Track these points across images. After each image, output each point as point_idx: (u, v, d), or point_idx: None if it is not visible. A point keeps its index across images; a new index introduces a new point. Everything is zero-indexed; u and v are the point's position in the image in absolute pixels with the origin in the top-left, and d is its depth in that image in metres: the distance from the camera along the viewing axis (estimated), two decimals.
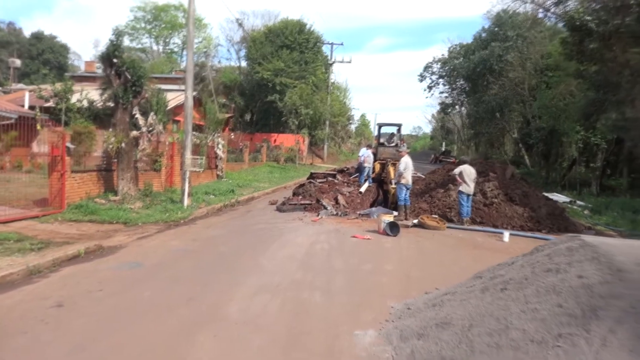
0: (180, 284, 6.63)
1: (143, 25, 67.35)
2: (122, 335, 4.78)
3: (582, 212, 18.70)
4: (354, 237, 10.54)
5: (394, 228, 10.80)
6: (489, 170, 15.19)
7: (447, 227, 12.11)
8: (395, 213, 12.77)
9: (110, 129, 14.08)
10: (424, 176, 19.36)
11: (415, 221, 12.38)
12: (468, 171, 12.49)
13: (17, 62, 41.74)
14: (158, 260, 8.01)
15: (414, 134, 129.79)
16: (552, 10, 20.58)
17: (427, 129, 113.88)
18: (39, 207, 11.94)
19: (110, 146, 13.67)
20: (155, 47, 68.85)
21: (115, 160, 14.21)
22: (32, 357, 4.28)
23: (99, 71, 48.24)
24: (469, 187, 12.36)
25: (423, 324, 4.71)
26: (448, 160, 38.75)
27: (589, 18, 13.17)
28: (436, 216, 12.86)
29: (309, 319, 5.44)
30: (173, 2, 64.61)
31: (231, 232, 11.08)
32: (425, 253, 9.34)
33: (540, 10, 23.16)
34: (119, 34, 14.27)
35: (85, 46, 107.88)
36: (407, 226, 12.10)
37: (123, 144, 13.71)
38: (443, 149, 57.32)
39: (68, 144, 12.89)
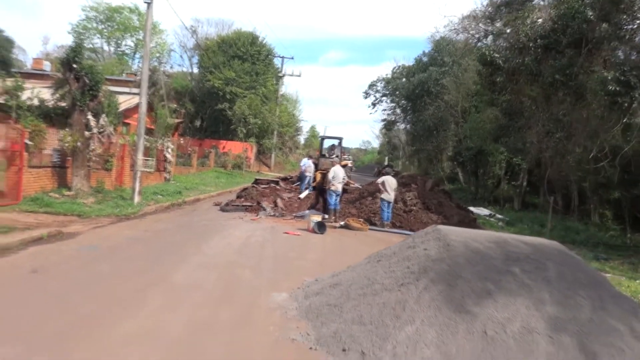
0: (134, 262, 8.03)
1: (95, 25, 66.92)
2: (91, 291, 6.18)
3: (497, 223, 21.06)
4: (286, 233, 12.17)
5: (321, 227, 12.50)
6: (412, 182, 17.18)
7: (370, 229, 13.92)
8: (326, 215, 14.48)
9: (67, 129, 15.11)
10: (361, 186, 21.17)
11: (342, 223, 14.14)
12: (390, 181, 14.37)
13: None
14: (113, 244, 9.34)
15: (363, 147, 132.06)
16: (482, 40, 23.06)
17: (376, 143, 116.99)
18: None
19: (67, 144, 14.71)
20: (106, 48, 68.44)
21: (70, 158, 15.23)
22: (20, 305, 5.60)
23: (47, 69, 47.97)
24: (389, 195, 14.22)
25: (321, 287, 6.36)
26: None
27: (497, 55, 15.42)
28: (361, 220, 14.65)
29: (238, 286, 7.00)
30: (128, 4, 64.64)
31: (178, 226, 12.47)
32: (343, 247, 11.05)
33: (473, 40, 25.76)
34: (79, 40, 15.39)
35: (29, 40, 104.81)
36: (334, 227, 13.84)
37: (79, 143, 14.79)
38: (385, 164, 59.98)
39: (27, 141, 13.87)
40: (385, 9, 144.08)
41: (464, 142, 32.10)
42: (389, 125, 55.44)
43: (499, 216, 23.61)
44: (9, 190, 13.22)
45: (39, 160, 15.39)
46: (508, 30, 15.93)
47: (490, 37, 21.57)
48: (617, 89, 11.55)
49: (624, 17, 12.51)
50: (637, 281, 10.56)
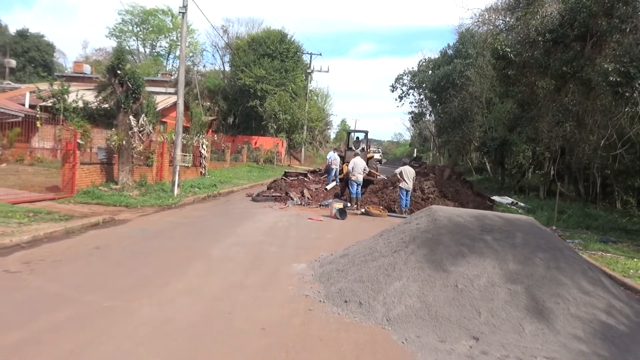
0: (177, 241, 9.45)
1: (130, 28, 69.61)
2: (145, 261, 7.59)
3: (518, 211, 21.82)
4: (310, 219, 13.46)
5: (342, 213, 13.73)
6: (431, 172, 18.21)
7: (388, 216, 15.05)
8: (348, 204, 15.70)
9: (113, 129, 16.75)
10: (386, 178, 22.28)
11: (363, 210, 15.33)
12: (407, 171, 15.46)
13: (13, 63, 43.77)
14: (159, 228, 10.80)
15: (395, 140, 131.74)
16: (503, 33, 23.75)
17: (407, 136, 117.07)
18: (53, 192, 14.53)
19: (113, 143, 16.33)
20: (142, 50, 71.08)
21: (116, 155, 16.85)
22: (92, 270, 7.03)
23: (87, 71, 50.40)
24: (407, 184, 15.32)
25: (333, 258, 7.61)
26: (417, 165, 41.82)
27: (508, 50, 16.26)
28: (381, 207, 15.80)
29: (265, 258, 8.31)
30: (161, 7, 66.99)
31: (214, 213, 13.91)
32: (360, 230, 12.24)
33: (495, 31, 26.42)
34: (122, 49, 16.97)
35: (67, 43, 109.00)
36: (356, 214, 15.05)
37: (124, 142, 16.38)
38: (414, 156, 60.62)
39: (79, 140, 15.52)
40: None
41: (489, 132, 32.70)
42: (416, 118, 56.20)
43: (522, 204, 24.30)
44: (64, 185, 14.89)
45: (89, 158, 17.09)
46: (519, 25, 16.71)
47: (519, 25, 22.20)
48: (618, 79, 12.32)
49: (625, 9, 13.18)
50: (635, 259, 11.37)
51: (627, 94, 12.52)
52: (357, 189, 16.14)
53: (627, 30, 13.11)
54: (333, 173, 21.05)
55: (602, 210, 23.51)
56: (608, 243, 14.04)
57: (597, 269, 6.59)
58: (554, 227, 14.18)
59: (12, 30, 58.18)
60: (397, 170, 15.72)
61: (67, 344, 4.37)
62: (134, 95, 16.66)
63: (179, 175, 17.06)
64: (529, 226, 6.72)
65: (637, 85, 12.27)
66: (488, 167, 40.26)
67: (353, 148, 23.42)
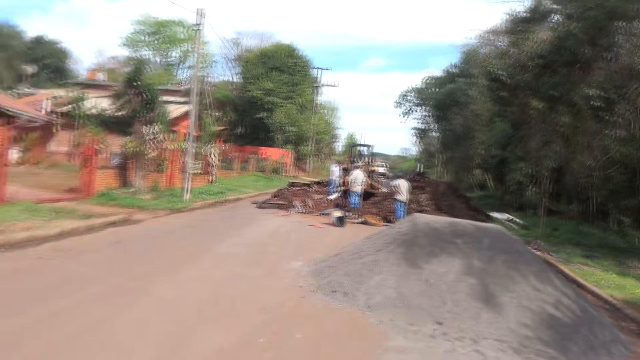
0: (188, 239, 10.49)
1: (143, 38, 71.37)
2: (160, 254, 8.62)
3: (513, 227, 22.68)
4: (310, 225, 14.45)
5: (341, 221, 14.71)
6: (427, 185, 19.17)
7: (384, 225, 15.97)
8: (348, 213, 16.67)
9: (129, 136, 17.87)
10: (387, 190, 23.25)
11: (361, 219, 16.30)
12: (403, 184, 16.42)
13: (32, 69, 45.28)
14: (170, 228, 11.83)
15: (402, 155, 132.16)
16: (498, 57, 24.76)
17: (414, 151, 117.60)
18: (72, 194, 15.57)
19: (129, 150, 17.43)
20: (154, 59, 72.71)
21: (131, 160, 17.93)
22: (113, 260, 8.04)
23: (101, 79, 51.84)
24: (403, 196, 16.26)
25: (326, 257, 8.58)
26: (419, 179, 42.75)
27: (501, 72, 17.28)
28: (378, 217, 16.75)
29: (266, 256, 9.31)
30: (174, 18, 68.66)
31: (221, 217, 14.95)
32: (356, 236, 12.98)
33: (495, 53, 27.48)
34: (139, 63, 18.16)
35: (80, 48, 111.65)
36: (354, 223, 16.01)
37: (138, 148, 17.47)
38: (418, 171, 61.53)
39: (97, 146, 16.62)
40: (426, 15, 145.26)
41: (488, 150, 33.61)
42: (420, 134, 57.20)
43: (518, 221, 25.14)
44: (82, 187, 15.94)
45: (106, 162, 18.19)
46: (512, 50, 17.75)
47: (512, 49, 23.34)
48: (600, 104, 13.29)
49: (607, 39, 14.18)
50: (609, 272, 12.22)
51: (607, 118, 13.47)
52: (356, 200, 17.11)
53: (609, 58, 14.08)
54: (333, 184, 22.00)
55: (596, 229, 24.31)
56: (591, 258, 14.87)
57: (552, 272, 7.49)
58: (538, 241, 15.04)
59: (29, 36, 59.63)
60: (393, 183, 16.68)
61: (101, 311, 5.38)
62: (149, 106, 17.85)
63: (190, 181, 18.10)
64: (497, 233, 7.68)
65: (616, 110, 13.22)
66: (489, 184, 41.11)
67: (356, 161, 24.40)
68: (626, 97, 13.48)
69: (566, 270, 11.64)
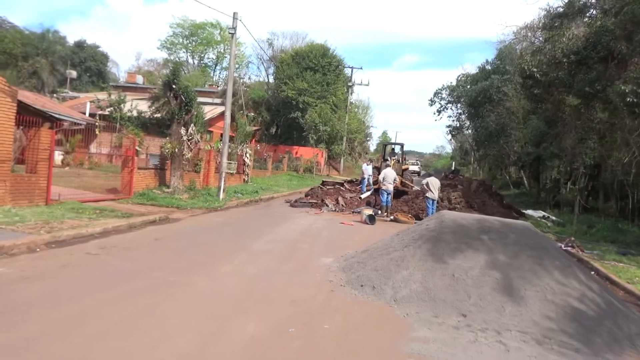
0: (224, 236, 10.94)
1: (180, 40, 73.10)
2: (198, 250, 9.08)
3: (547, 224, 22.45)
4: (342, 223, 14.75)
5: (371, 219, 14.96)
6: (459, 183, 19.20)
7: (414, 222, 16.14)
8: (380, 211, 16.89)
9: (167, 138, 18.51)
10: (419, 188, 23.38)
11: (392, 217, 16.50)
12: (433, 182, 16.54)
13: (74, 74, 47.04)
14: (207, 226, 12.33)
15: (437, 152, 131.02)
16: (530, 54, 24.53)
17: (449, 148, 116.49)
18: (112, 194, 16.27)
19: (167, 151, 18.06)
20: (190, 61, 74.33)
21: (168, 161, 18.58)
22: (153, 256, 8.53)
23: (140, 81, 53.30)
24: (433, 194, 16.39)
25: (356, 253, 8.87)
26: (452, 177, 42.57)
27: (535, 70, 17.15)
28: (409, 215, 16.91)
29: (298, 253, 9.66)
30: (210, 20, 70.06)
31: (255, 216, 15.41)
32: (387, 234, 13.20)
33: (531, 49, 27.18)
34: (177, 66, 18.78)
35: (120, 53, 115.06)
36: (385, 220, 16.23)
37: (176, 149, 18.09)
38: (452, 169, 61.08)
39: (137, 147, 17.33)
40: (461, 10, 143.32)
41: (524, 147, 33.21)
42: (454, 131, 56.83)
43: (553, 218, 24.83)
44: (123, 187, 16.65)
45: (145, 163, 18.92)
46: (547, 47, 17.61)
47: (547, 46, 23.11)
48: (635, 100, 13.12)
49: None
50: None
51: None
52: (387, 198, 17.32)
53: None
54: (365, 183, 22.26)
55: (635, 226, 23.78)
56: (626, 255, 14.69)
57: (578, 266, 7.56)
58: (572, 238, 14.92)
59: (71, 40, 61.76)
60: (424, 181, 16.82)
61: (146, 300, 5.83)
62: (186, 108, 18.39)
63: (225, 181, 18.64)
64: (523, 229, 7.81)
65: None
66: (525, 182, 40.52)
67: (387, 160, 24.57)
68: None
69: (599, 266, 11.62)
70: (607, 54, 15.12)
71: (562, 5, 20.88)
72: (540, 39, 24.21)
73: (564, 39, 16.50)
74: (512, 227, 7.79)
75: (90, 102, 32.39)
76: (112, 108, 30.95)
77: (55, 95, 42.74)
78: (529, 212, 23.75)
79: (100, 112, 31.15)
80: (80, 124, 24.80)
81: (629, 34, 14.44)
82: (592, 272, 10.46)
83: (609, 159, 18.22)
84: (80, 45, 61.58)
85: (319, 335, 5.32)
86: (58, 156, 20.99)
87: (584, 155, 18.59)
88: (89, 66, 60.88)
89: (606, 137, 16.98)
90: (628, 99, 13.25)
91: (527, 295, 6.35)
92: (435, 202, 16.67)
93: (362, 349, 5.06)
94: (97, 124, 28.06)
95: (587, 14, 19.87)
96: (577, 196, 19.77)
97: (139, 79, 56.06)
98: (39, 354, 4.25)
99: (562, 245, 13.42)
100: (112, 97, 31.69)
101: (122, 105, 31.39)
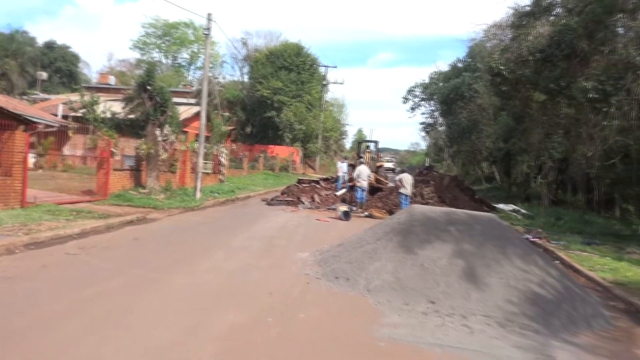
0: (202, 235, 11.13)
1: (153, 40, 72.37)
2: (176, 248, 9.26)
3: (518, 217, 23.12)
4: (317, 220, 15.05)
5: (346, 215, 15.31)
6: (431, 179, 19.68)
7: (388, 218, 16.54)
8: (354, 208, 17.25)
9: (142, 139, 18.54)
10: (394, 185, 23.81)
11: (366, 213, 16.87)
12: (407, 178, 16.97)
13: (44, 75, 46.27)
14: (185, 225, 12.50)
15: (411, 149, 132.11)
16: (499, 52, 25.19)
17: (424, 145, 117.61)
18: (89, 196, 16.26)
19: (142, 152, 18.10)
20: (164, 61, 73.67)
21: (144, 162, 18.61)
22: (134, 254, 8.70)
23: (112, 82, 52.66)
24: (406, 189, 16.81)
25: (331, 247, 9.18)
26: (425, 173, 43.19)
27: (502, 67, 17.74)
28: (383, 210, 17.31)
29: (275, 248, 9.94)
30: (183, 20, 69.54)
31: (232, 214, 15.60)
32: (361, 229, 13.61)
33: (500, 47, 27.88)
34: (151, 66, 18.81)
35: (90, 53, 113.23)
36: (360, 216, 16.59)
37: (152, 150, 18.14)
38: (426, 165, 61.98)
39: (112, 149, 17.32)
40: (434, 8, 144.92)
41: (495, 143, 34.00)
42: (428, 128, 57.67)
43: (523, 211, 25.56)
44: (99, 189, 16.64)
45: (120, 165, 18.91)
46: (514, 45, 18.21)
47: (514, 44, 23.82)
48: (596, 96, 13.74)
49: (604, 33, 14.61)
50: (606, 257, 12.67)
51: (604, 109, 13.92)
52: (361, 194, 17.68)
53: (606, 51, 14.52)
54: (341, 181, 22.57)
55: (602, 218, 24.65)
56: (590, 245, 15.32)
57: (538, 254, 8.00)
58: (539, 229, 15.50)
59: (40, 41, 60.46)
60: (397, 178, 17.24)
61: (125, 298, 6.04)
62: (161, 109, 18.44)
63: (201, 181, 18.76)
64: (488, 220, 8.22)
65: (612, 102, 13.66)
66: (497, 176, 41.46)
67: (362, 157, 24.95)
68: (623, 88, 13.92)
69: (564, 256, 12.14)
70: (570, 51, 15.75)
71: (529, 4, 21.58)
72: (509, 37, 24.94)
73: (530, 37, 17.10)
74: (478, 219, 8.20)
75: (63, 104, 31.97)
76: (85, 110, 30.60)
77: (25, 97, 41.93)
78: (501, 205, 24.41)
79: (73, 113, 30.79)
80: (53, 126, 24.55)
81: (590, 33, 15.08)
82: (557, 262, 10.98)
83: (574, 153, 18.91)
84: (50, 46, 60.47)
85: (295, 324, 5.60)
86: (31, 159, 20.76)
87: (550, 149, 19.27)
88: (60, 67, 59.77)
89: (571, 131, 17.65)
90: (590, 95, 13.87)
91: (491, 282, 6.74)
92: (409, 197, 17.08)
93: (337, 335, 5.37)
94: (70, 125, 27.83)
95: (553, 13, 20.58)
96: (545, 189, 20.36)
97: (112, 80, 55.33)
98: (21, 351, 4.44)
99: (530, 237, 13.96)
100: (85, 98, 31.33)
101: (95, 107, 31.06)
